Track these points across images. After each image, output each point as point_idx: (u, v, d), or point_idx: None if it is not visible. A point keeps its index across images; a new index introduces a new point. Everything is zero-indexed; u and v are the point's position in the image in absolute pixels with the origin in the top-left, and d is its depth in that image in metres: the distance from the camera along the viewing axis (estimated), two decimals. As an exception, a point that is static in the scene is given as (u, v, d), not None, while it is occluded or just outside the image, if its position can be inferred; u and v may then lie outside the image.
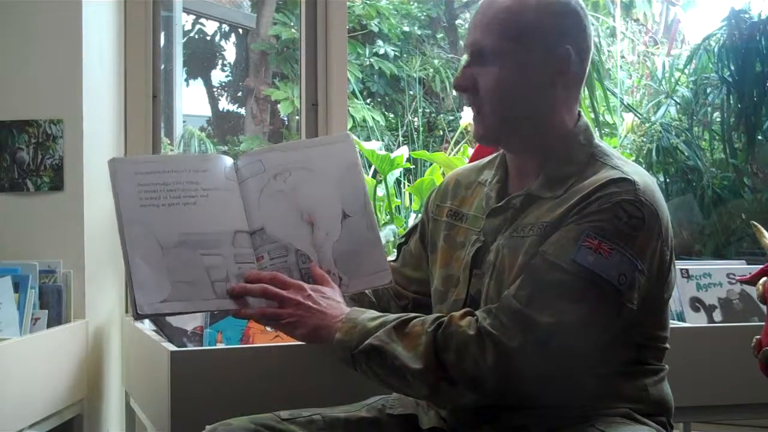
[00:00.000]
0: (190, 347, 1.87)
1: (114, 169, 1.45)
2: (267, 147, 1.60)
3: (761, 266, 1.27)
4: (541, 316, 1.26)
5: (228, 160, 1.54)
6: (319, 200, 1.53)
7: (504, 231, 1.41)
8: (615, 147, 4.07)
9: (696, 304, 2.23)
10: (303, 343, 1.45)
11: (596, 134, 1.44)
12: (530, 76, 1.38)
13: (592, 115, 3.73)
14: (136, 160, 1.58)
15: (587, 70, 1.45)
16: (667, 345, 1.42)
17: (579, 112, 1.46)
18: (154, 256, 1.40)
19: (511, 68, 1.37)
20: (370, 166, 4.03)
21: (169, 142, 3.69)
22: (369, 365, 1.34)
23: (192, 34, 6.51)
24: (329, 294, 1.45)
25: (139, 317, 1.39)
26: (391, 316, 1.37)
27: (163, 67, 2.99)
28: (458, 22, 6.67)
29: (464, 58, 1.44)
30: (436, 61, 6.31)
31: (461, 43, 6.63)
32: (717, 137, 3.90)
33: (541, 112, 1.41)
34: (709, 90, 3.87)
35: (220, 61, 6.82)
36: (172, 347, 1.71)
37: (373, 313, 1.41)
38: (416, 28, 6.58)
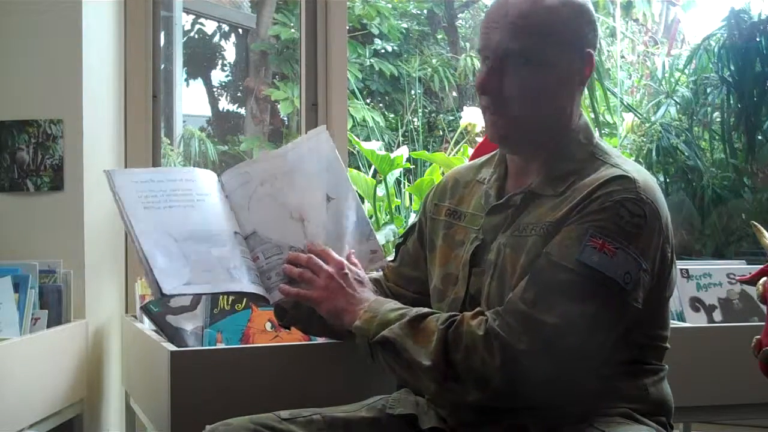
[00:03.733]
0: (190, 347, 1.87)
1: (112, 178, 1.48)
2: (249, 160, 1.64)
3: (761, 266, 1.27)
4: (547, 317, 1.26)
5: (213, 175, 1.59)
6: (306, 197, 1.57)
7: (505, 229, 1.41)
8: (615, 147, 4.08)
9: (696, 304, 2.23)
10: (307, 340, 1.46)
11: (596, 133, 1.44)
12: (557, 78, 1.38)
13: (592, 115, 3.73)
14: (131, 171, 1.62)
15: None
16: (668, 345, 1.42)
17: (580, 111, 1.46)
18: (167, 246, 1.42)
19: (539, 71, 1.36)
20: (370, 166, 4.03)
21: (169, 142, 3.69)
22: (384, 356, 1.36)
23: (192, 34, 6.51)
24: (363, 278, 1.50)
25: (163, 296, 1.40)
26: (412, 310, 1.38)
27: (163, 67, 2.99)
28: (458, 22, 6.67)
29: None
30: (435, 61, 6.31)
31: (461, 42, 6.63)
32: (717, 137, 3.90)
33: (564, 114, 1.41)
34: (709, 90, 3.87)
35: (220, 61, 6.82)
36: (172, 347, 1.71)
37: (395, 304, 1.42)
38: (415, 24, 6.59)
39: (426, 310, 1.38)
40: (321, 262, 1.48)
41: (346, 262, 1.51)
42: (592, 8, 1.42)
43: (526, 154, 1.46)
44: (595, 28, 1.42)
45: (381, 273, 1.67)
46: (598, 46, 1.46)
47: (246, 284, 1.47)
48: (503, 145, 1.46)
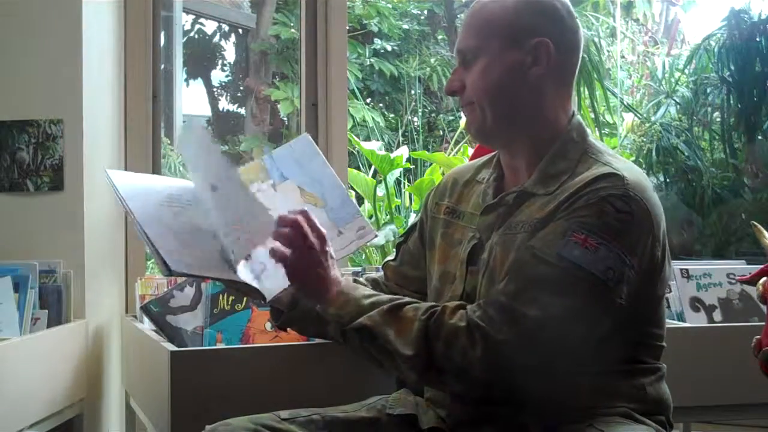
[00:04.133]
0: (190, 347, 1.87)
1: (111, 176, 1.47)
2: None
3: (761, 266, 1.27)
4: (528, 309, 1.27)
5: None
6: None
7: (497, 228, 1.42)
8: (615, 147, 4.08)
9: (696, 304, 2.23)
10: (306, 340, 1.46)
11: (596, 133, 1.45)
12: (507, 69, 1.40)
13: (592, 115, 3.73)
14: (130, 174, 1.61)
15: (577, 67, 1.47)
16: (664, 343, 1.42)
17: (573, 110, 1.47)
18: (167, 236, 1.42)
19: (488, 63, 1.41)
20: (370, 166, 4.04)
21: (169, 142, 3.69)
22: (361, 343, 1.36)
23: (192, 34, 6.51)
24: (333, 254, 1.46)
25: (171, 274, 1.39)
26: (384, 297, 1.39)
27: (163, 67, 2.99)
28: (458, 22, 6.67)
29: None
30: (434, 61, 6.31)
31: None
32: (717, 137, 3.90)
33: (528, 107, 1.42)
34: (709, 90, 3.87)
35: (220, 61, 6.82)
36: (172, 347, 1.71)
37: (366, 289, 1.43)
38: (416, 24, 6.59)
39: (404, 298, 1.39)
40: (307, 231, 1.41)
41: (327, 238, 1.44)
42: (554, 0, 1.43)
43: (507, 150, 1.48)
44: (552, 16, 1.42)
45: (381, 273, 1.67)
46: (581, 39, 1.46)
47: (245, 277, 1.45)
48: (477, 140, 1.51)
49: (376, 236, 1.64)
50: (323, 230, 1.44)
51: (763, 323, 1.24)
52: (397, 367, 1.34)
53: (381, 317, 1.35)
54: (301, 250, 1.41)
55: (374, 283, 1.64)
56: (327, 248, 1.44)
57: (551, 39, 1.40)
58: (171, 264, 1.37)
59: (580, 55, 1.47)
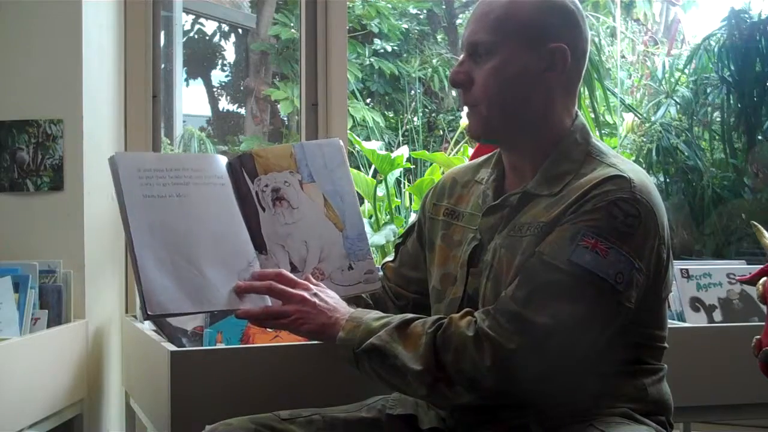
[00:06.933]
0: (190, 347, 1.87)
1: (116, 164, 1.44)
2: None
3: (761, 266, 1.27)
4: (538, 317, 1.26)
5: (222, 160, 1.56)
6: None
7: (501, 230, 1.41)
8: (615, 147, 4.08)
9: (696, 304, 2.23)
10: (307, 341, 1.46)
11: (596, 133, 1.45)
12: (522, 71, 1.38)
13: (592, 115, 3.73)
14: (136, 155, 1.59)
15: (584, 71, 1.45)
16: (666, 344, 1.42)
17: (576, 112, 1.46)
18: (160, 256, 1.40)
19: (503, 62, 1.38)
20: (370, 166, 4.03)
21: (169, 142, 3.69)
22: (371, 364, 1.35)
23: (192, 34, 6.51)
24: (332, 294, 1.47)
25: (148, 317, 1.39)
26: (395, 317, 1.38)
27: (163, 67, 2.99)
28: (458, 22, 6.67)
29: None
30: (435, 61, 6.31)
31: (461, 42, 6.62)
32: (717, 137, 3.90)
33: (537, 110, 1.41)
34: (709, 90, 3.86)
35: (220, 61, 6.82)
36: (172, 347, 1.71)
37: (378, 313, 1.41)
38: (415, 24, 6.59)
39: (411, 315, 1.38)
40: (285, 288, 1.43)
41: (311, 279, 1.48)
42: (569, 3, 1.41)
43: (508, 150, 1.47)
44: (571, 22, 1.40)
45: (381, 273, 1.67)
46: (590, 44, 1.45)
47: (224, 300, 1.44)
48: (476, 138, 1.48)
49: (378, 288, 1.61)
50: (301, 280, 1.46)
51: (763, 323, 1.24)
52: (407, 383, 1.32)
53: (389, 335, 1.34)
54: (294, 306, 1.42)
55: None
56: (315, 291, 1.44)
57: (568, 45, 1.38)
58: (150, 304, 1.36)
59: (587, 62, 1.47)
